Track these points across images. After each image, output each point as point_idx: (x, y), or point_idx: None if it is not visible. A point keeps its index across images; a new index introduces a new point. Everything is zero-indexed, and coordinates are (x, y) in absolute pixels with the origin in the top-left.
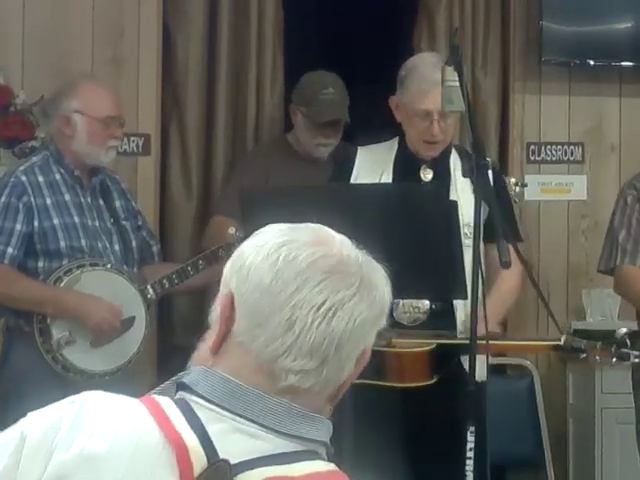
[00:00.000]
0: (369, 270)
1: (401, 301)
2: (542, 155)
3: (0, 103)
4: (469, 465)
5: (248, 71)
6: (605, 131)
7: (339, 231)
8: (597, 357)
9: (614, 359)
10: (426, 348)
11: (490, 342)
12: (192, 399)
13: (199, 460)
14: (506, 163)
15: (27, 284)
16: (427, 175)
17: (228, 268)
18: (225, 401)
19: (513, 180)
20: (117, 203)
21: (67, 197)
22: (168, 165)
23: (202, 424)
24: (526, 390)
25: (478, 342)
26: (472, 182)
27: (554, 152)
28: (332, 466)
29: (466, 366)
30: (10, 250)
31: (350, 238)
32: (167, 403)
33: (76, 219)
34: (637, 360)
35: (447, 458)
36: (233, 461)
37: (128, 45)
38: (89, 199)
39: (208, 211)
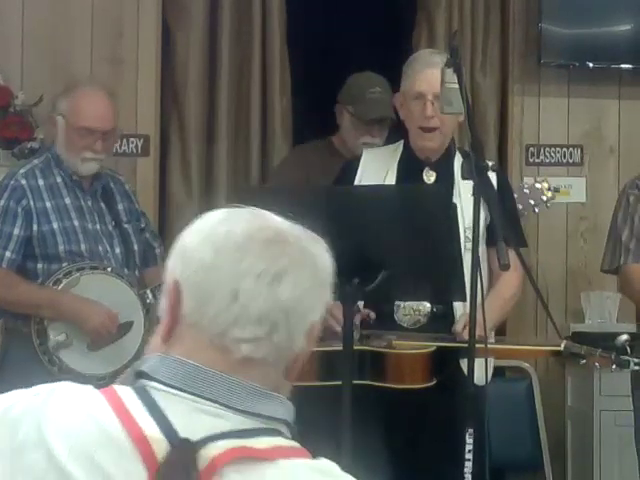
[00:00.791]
0: (308, 240)
1: (402, 303)
2: (541, 157)
3: None
4: (468, 467)
5: (251, 70)
6: (604, 134)
7: (340, 233)
8: (597, 364)
9: (614, 366)
10: (426, 350)
11: (489, 346)
12: (151, 385)
13: (161, 446)
14: (505, 165)
15: (24, 288)
16: (430, 177)
17: (171, 258)
18: (184, 383)
19: (545, 185)
20: (120, 206)
21: (67, 200)
22: (168, 166)
23: (161, 410)
24: (525, 392)
25: (477, 346)
26: (474, 183)
27: (553, 154)
28: (295, 443)
29: (465, 370)
30: (8, 254)
31: (350, 239)
32: (126, 393)
33: (76, 223)
34: (637, 367)
35: (446, 460)
36: (195, 438)
37: (127, 46)
38: (90, 202)
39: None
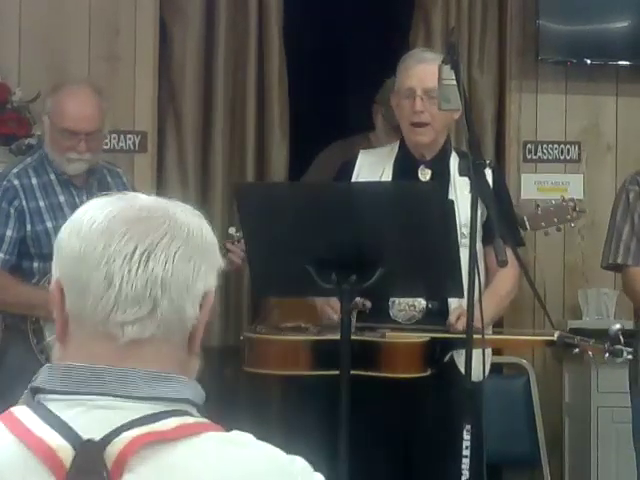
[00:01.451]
0: (176, 211)
1: (397, 299)
2: (538, 154)
3: None
4: (465, 464)
5: (247, 67)
6: (601, 130)
7: (337, 230)
8: (590, 353)
9: (607, 355)
10: (419, 340)
11: (485, 337)
12: (46, 398)
13: (67, 453)
14: (502, 162)
15: (19, 289)
16: (425, 175)
17: (53, 259)
18: (77, 387)
19: (572, 204)
20: None
21: (62, 198)
22: (165, 163)
23: (60, 418)
24: (522, 389)
25: (474, 337)
26: (470, 180)
27: (550, 151)
28: (203, 419)
29: (460, 366)
30: (1, 255)
31: (347, 236)
32: (23, 412)
33: None
34: (630, 357)
35: (444, 456)
36: (98, 437)
37: (125, 42)
38: (85, 198)
39: (205, 209)
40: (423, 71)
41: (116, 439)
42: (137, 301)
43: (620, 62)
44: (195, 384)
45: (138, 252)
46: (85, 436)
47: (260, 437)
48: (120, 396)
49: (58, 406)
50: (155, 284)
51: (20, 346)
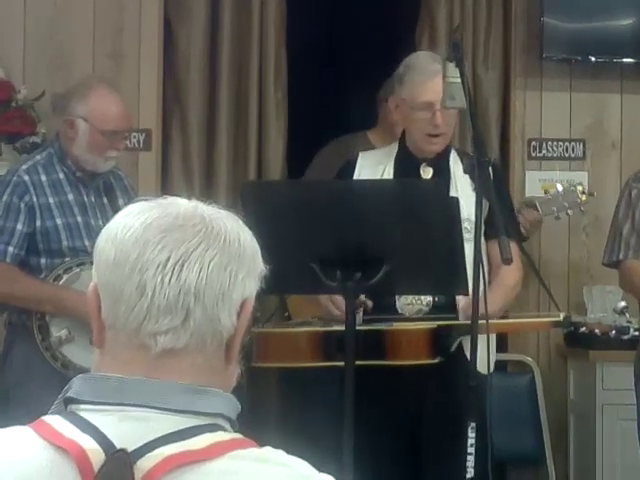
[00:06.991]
0: (214, 219)
1: None
2: (543, 151)
3: (1, 98)
4: (470, 461)
5: (250, 65)
6: (606, 128)
7: (342, 227)
8: (597, 330)
9: (613, 332)
10: (425, 326)
11: (490, 321)
12: (80, 408)
13: (97, 457)
14: (507, 159)
15: (27, 283)
16: (427, 173)
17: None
18: (111, 397)
19: (580, 188)
20: (120, 201)
21: (70, 196)
22: (169, 161)
23: (94, 425)
24: (527, 386)
25: (479, 322)
26: (471, 179)
27: (555, 148)
28: (236, 435)
29: (469, 354)
30: (11, 249)
31: (352, 233)
32: (56, 420)
33: (79, 219)
34: (637, 333)
35: (448, 453)
36: (131, 448)
37: (129, 40)
38: (93, 198)
39: None
40: (439, 84)
41: (149, 454)
42: (169, 310)
43: (624, 59)
44: (229, 397)
45: (171, 261)
46: (118, 445)
47: (262, 434)
48: (154, 407)
49: (91, 415)
50: (188, 293)
51: (25, 343)
